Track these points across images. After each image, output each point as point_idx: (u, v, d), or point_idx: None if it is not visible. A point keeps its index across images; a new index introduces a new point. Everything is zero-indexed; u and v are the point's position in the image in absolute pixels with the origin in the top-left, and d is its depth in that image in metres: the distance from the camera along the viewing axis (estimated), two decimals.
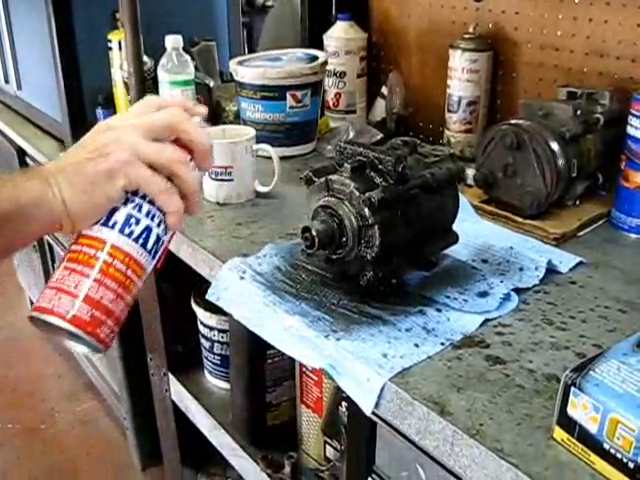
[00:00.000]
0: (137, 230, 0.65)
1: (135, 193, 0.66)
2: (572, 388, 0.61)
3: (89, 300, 0.62)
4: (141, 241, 0.65)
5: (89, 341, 0.62)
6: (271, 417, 1.27)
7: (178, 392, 1.47)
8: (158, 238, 0.67)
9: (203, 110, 0.73)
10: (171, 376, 1.49)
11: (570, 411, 0.62)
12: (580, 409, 0.61)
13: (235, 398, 1.29)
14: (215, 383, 1.44)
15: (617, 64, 1.21)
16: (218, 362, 1.40)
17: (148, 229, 0.66)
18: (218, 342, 1.37)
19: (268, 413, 1.27)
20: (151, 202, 0.66)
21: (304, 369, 1.16)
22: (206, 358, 1.44)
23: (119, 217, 0.65)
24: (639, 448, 0.56)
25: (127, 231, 0.65)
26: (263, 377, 1.23)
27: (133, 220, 0.65)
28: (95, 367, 2.23)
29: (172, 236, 0.70)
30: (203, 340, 1.41)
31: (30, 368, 2.56)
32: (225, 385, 1.40)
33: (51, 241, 2.34)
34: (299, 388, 1.19)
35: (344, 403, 1.08)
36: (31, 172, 0.66)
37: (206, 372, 1.46)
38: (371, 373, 0.74)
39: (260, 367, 1.22)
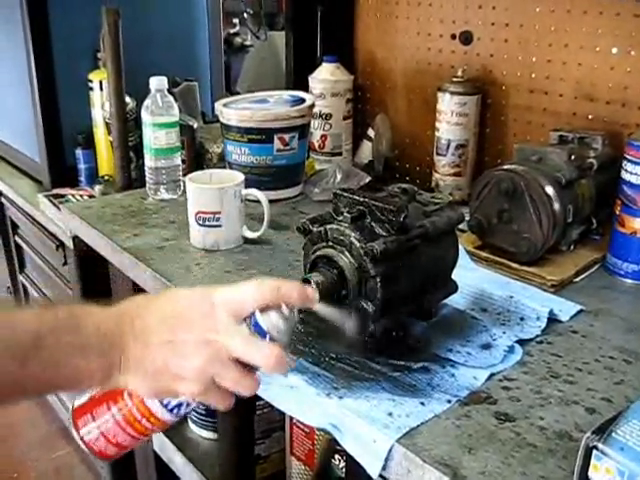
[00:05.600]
0: (184, 410, 0.70)
1: None
2: (594, 451, 0.59)
3: (120, 448, 0.70)
4: (182, 413, 0.70)
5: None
6: (260, 470, 1.23)
7: (161, 443, 1.42)
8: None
9: (316, 295, 0.71)
10: None
11: (592, 474, 0.59)
12: (603, 473, 0.58)
13: (223, 450, 1.24)
14: (200, 433, 1.39)
15: (607, 108, 1.21)
16: (203, 412, 1.36)
17: (192, 408, 0.72)
18: None
19: (257, 465, 1.23)
20: None
21: (294, 420, 1.12)
22: None
23: (174, 401, 0.69)
24: None
25: (176, 411, 0.69)
26: (252, 429, 1.19)
27: (184, 405, 0.69)
28: None
29: None
30: None
31: (1, 415, 2.47)
32: (210, 435, 1.35)
33: (25, 282, 2.29)
34: (289, 440, 1.15)
35: (337, 456, 1.05)
36: (109, 337, 0.65)
37: (190, 422, 1.41)
38: (377, 434, 0.70)
39: (249, 419, 1.18)
